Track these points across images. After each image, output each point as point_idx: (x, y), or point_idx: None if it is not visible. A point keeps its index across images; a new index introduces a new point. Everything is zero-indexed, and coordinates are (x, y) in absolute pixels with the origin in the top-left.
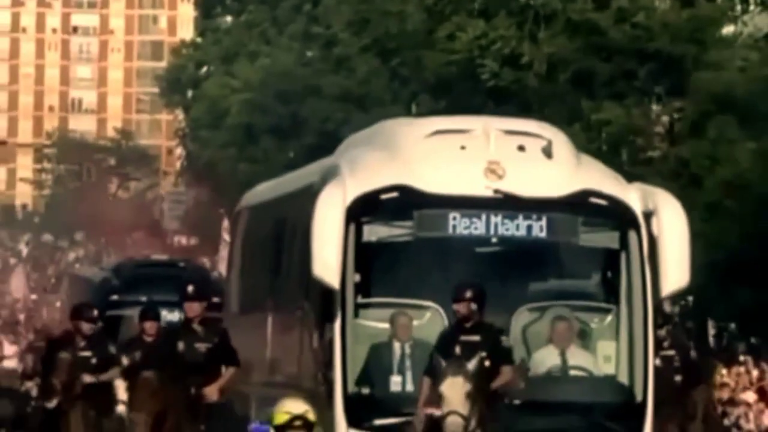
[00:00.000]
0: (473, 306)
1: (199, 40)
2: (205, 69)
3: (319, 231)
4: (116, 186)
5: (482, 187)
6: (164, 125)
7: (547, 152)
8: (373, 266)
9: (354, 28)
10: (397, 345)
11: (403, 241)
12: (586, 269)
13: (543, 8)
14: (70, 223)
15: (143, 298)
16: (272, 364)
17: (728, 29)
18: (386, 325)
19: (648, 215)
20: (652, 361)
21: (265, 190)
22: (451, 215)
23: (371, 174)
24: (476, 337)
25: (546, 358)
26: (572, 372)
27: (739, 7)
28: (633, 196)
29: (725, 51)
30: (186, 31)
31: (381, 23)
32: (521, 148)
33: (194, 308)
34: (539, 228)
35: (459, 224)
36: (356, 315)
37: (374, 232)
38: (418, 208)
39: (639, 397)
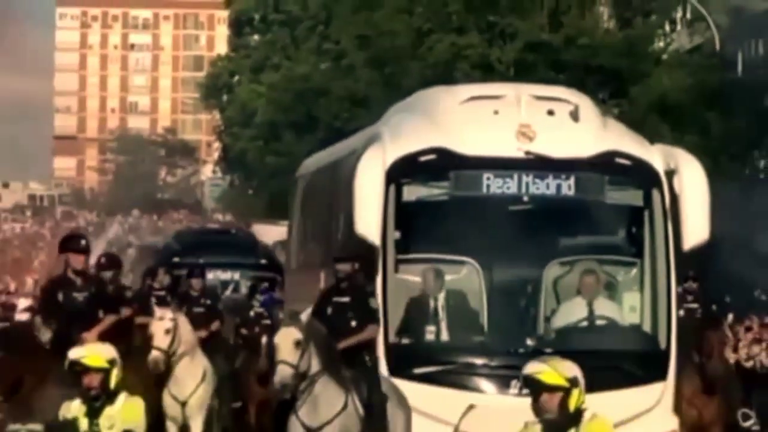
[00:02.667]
0: (356, 266)
1: (232, 54)
2: (237, 78)
3: (360, 191)
4: (165, 173)
5: (514, 149)
6: (204, 123)
7: (575, 116)
8: (412, 224)
9: (356, 42)
10: (430, 298)
11: (440, 200)
12: (612, 225)
13: (506, 27)
14: (128, 203)
15: (201, 260)
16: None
17: (659, 44)
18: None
19: (669, 174)
20: (676, 311)
21: (317, 159)
22: (486, 175)
23: (410, 138)
24: (346, 299)
25: (574, 309)
26: (598, 321)
27: (668, 27)
28: (656, 156)
29: (656, 67)
30: (222, 47)
31: (377, 41)
32: (550, 113)
33: (81, 260)
34: (568, 186)
35: (493, 184)
36: (396, 270)
37: (413, 192)
38: (455, 168)
39: (663, 345)
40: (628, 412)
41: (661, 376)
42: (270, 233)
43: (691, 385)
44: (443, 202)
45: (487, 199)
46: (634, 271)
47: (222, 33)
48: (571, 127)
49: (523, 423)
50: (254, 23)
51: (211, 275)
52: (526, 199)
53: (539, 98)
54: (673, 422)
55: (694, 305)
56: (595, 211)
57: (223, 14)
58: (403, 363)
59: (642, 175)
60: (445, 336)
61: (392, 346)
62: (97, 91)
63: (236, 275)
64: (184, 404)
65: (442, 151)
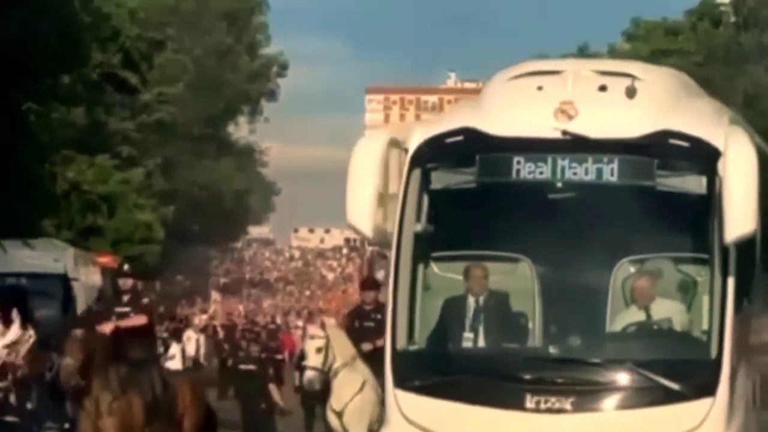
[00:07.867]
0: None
1: None
2: None
3: (355, 173)
4: None
5: (550, 129)
6: None
7: (630, 92)
8: (440, 214)
9: None
10: (471, 299)
11: (467, 187)
12: (667, 217)
13: None
14: None
15: None
16: None
17: None
18: (457, 277)
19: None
20: (732, 315)
21: None
22: (515, 159)
23: (445, 119)
24: (372, 324)
25: (625, 316)
26: (639, 329)
27: None
28: (721, 136)
29: None
30: None
31: None
32: (602, 88)
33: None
34: (610, 171)
35: (523, 168)
36: (416, 269)
37: (438, 178)
38: (482, 151)
39: (713, 354)
40: None
41: (708, 391)
42: None
43: None
44: (470, 190)
45: (516, 185)
46: (695, 269)
47: None
48: (621, 104)
49: None
50: None
51: None
52: (560, 185)
53: (596, 72)
54: None
55: None
56: (645, 200)
57: None
58: (411, 374)
59: (701, 157)
60: (481, 342)
61: (401, 353)
62: None
63: None
64: (341, 414)
65: (471, 132)
